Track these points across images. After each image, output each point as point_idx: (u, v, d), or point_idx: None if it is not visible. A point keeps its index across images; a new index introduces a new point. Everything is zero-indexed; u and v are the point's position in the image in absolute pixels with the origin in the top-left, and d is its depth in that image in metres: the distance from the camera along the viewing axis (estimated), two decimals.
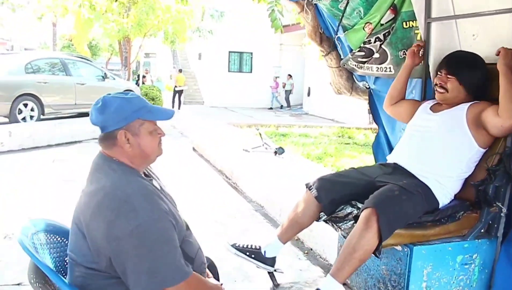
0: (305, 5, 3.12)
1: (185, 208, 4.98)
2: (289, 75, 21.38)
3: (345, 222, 2.26)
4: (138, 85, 16.53)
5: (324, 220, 2.45)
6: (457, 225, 2.23)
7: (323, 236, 3.81)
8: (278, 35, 20.26)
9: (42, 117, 10.19)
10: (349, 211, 2.28)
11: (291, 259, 3.80)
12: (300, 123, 13.40)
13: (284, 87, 21.53)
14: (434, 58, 2.70)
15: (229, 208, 5.25)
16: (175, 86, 19.25)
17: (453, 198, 2.28)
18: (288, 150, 7.33)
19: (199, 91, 23.26)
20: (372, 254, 2.05)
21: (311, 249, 4.03)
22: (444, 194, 2.23)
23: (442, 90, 2.39)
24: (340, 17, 3.07)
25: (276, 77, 21.71)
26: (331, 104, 16.09)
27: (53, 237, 1.84)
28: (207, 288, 1.72)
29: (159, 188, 1.75)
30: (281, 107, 21.41)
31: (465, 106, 2.32)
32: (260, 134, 7.13)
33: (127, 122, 1.62)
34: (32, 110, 10.03)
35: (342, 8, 3.00)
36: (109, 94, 1.69)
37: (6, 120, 9.68)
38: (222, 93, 21.91)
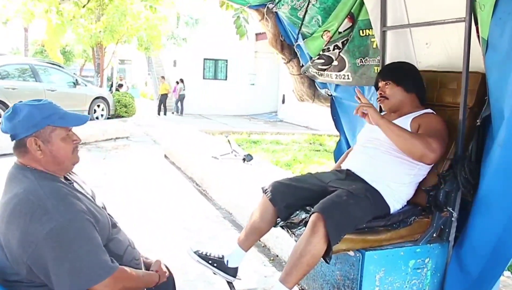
0: (265, 13, 3.14)
1: (153, 215, 4.99)
2: (181, 79, 20.92)
3: (299, 228, 2.27)
4: (112, 92, 16.38)
5: (280, 226, 2.46)
6: (409, 230, 2.26)
7: (289, 243, 3.82)
8: (252, 43, 20.38)
9: None
10: (303, 216, 2.29)
11: (256, 265, 3.79)
12: (273, 130, 13.43)
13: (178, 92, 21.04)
14: None
15: (198, 215, 5.21)
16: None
17: (405, 203, 2.32)
18: (258, 157, 7.33)
19: (174, 98, 23.10)
20: (322, 259, 2.07)
21: (277, 256, 4.03)
22: (396, 199, 2.26)
23: (382, 98, 2.48)
24: (299, 25, 3.11)
25: (176, 82, 21.23)
26: (306, 111, 16.15)
27: None
28: (138, 278, 1.73)
29: (80, 190, 1.73)
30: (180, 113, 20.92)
31: (409, 117, 2.39)
32: (229, 141, 7.12)
33: (36, 129, 1.61)
34: None
35: (301, 16, 3.05)
36: (21, 101, 1.68)
37: None
38: (197, 101, 21.80)
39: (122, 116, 13.22)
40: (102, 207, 1.83)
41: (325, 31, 2.97)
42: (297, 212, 2.36)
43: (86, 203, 1.64)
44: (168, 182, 6.79)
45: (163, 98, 19.87)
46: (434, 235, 2.30)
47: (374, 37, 2.85)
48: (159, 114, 19.71)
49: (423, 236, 2.27)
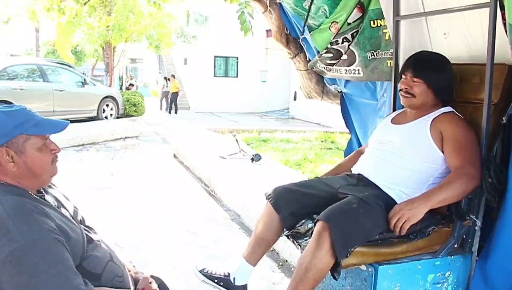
0: (268, 4, 2.92)
1: (158, 217, 4.83)
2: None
3: (305, 238, 2.06)
4: (122, 91, 16.31)
5: (286, 235, 2.26)
6: (427, 241, 2.03)
7: None
8: (263, 39, 20.15)
9: None
10: (309, 226, 2.09)
11: (264, 271, 3.60)
12: (284, 128, 13.20)
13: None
14: (403, 59, 2.52)
15: (204, 217, 5.05)
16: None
17: None
18: (267, 156, 7.15)
19: (185, 96, 23.05)
20: (330, 273, 1.86)
21: (286, 261, 3.83)
22: None
23: (408, 96, 2.19)
24: (305, 17, 2.89)
25: (168, 79, 21.09)
26: (318, 108, 15.92)
27: None
28: None
29: (51, 203, 1.54)
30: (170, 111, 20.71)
31: (428, 118, 2.15)
32: (236, 140, 6.94)
33: (8, 138, 1.43)
34: None
35: (307, 7, 2.83)
36: (17, 105, 1.51)
37: None
38: (208, 98, 21.70)
39: (132, 116, 13.13)
40: (80, 221, 1.64)
41: (333, 22, 2.75)
42: (303, 220, 2.16)
43: (56, 219, 1.44)
44: (175, 183, 6.64)
45: (173, 97, 19.80)
46: (455, 246, 2.07)
47: (386, 28, 2.62)
48: (170, 112, 19.65)
49: (443, 248, 2.04)
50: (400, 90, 2.23)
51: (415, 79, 2.17)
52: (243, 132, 10.83)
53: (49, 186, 1.65)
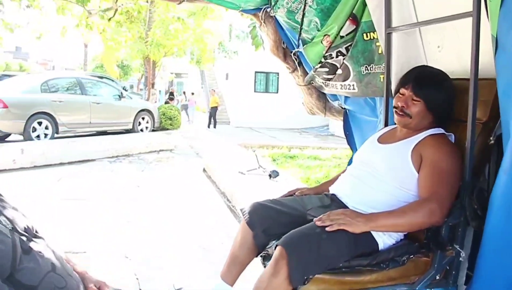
0: (261, 18, 2.82)
1: (173, 230, 4.79)
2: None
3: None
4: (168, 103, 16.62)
5: (261, 256, 2.14)
6: (401, 271, 1.84)
7: None
8: None
9: (56, 135, 10.26)
10: None
11: (259, 270, 3.47)
12: (316, 145, 12.99)
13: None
14: (396, 74, 2.36)
15: (220, 233, 4.95)
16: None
17: (401, 237, 1.92)
18: (290, 173, 7.01)
19: (225, 111, 23.26)
20: None
21: None
22: (387, 233, 1.86)
23: (402, 114, 2.00)
24: (298, 30, 2.77)
25: (192, 93, 22.33)
26: None
27: None
28: None
29: None
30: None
31: (413, 141, 1.96)
32: (256, 156, 6.85)
33: None
34: (46, 128, 10.12)
35: (299, 20, 2.71)
36: None
37: (21, 137, 9.79)
38: (248, 113, 21.78)
39: (167, 129, 13.29)
40: (24, 230, 1.59)
41: (324, 35, 2.61)
42: (274, 241, 2.03)
43: None
44: (199, 197, 6.59)
45: (213, 111, 20.03)
46: (437, 277, 1.88)
47: (379, 41, 2.46)
48: (209, 126, 19.84)
49: (422, 279, 1.85)
50: (396, 107, 2.04)
51: (415, 98, 1.98)
52: (273, 147, 10.71)
53: None
